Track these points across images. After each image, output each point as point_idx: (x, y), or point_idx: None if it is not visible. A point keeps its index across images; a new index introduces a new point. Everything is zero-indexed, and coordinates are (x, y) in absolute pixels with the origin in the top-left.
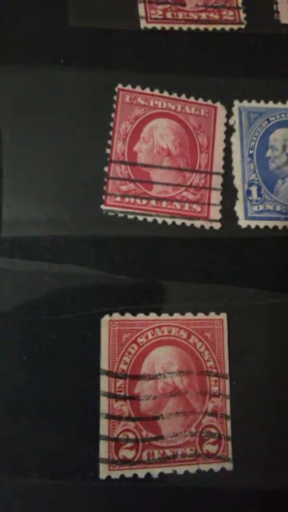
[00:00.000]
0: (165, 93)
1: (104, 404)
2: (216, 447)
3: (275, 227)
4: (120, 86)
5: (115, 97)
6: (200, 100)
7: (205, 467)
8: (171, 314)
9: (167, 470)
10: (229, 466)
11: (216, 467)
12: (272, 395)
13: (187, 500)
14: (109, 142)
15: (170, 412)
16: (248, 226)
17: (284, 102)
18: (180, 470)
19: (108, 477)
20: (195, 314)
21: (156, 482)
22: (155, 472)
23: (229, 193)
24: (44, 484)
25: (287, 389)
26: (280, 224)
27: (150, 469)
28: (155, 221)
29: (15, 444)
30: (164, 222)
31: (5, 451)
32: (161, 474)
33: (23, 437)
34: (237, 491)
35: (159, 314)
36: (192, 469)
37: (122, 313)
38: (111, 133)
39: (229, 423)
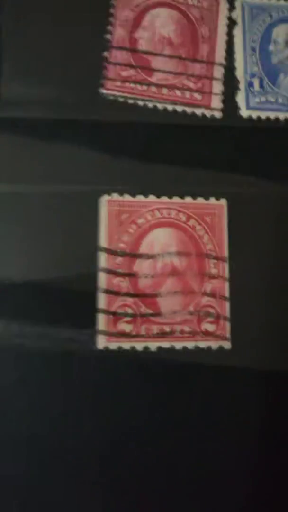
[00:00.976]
0: None
1: (102, 279)
2: (215, 326)
3: (277, 118)
4: None
5: None
6: None
7: (203, 344)
8: (170, 197)
9: (165, 344)
10: (227, 344)
11: (214, 344)
12: (271, 278)
13: (184, 374)
14: (110, 28)
15: (168, 291)
16: (250, 116)
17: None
18: (178, 345)
19: (106, 348)
20: (194, 198)
21: (153, 355)
22: (153, 345)
23: (231, 84)
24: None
25: (283, 274)
26: (281, 116)
27: (148, 343)
28: (155, 107)
29: (13, 312)
30: (164, 108)
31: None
32: (159, 348)
33: (22, 308)
34: (234, 369)
35: (158, 197)
36: (190, 345)
37: (121, 194)
38: (112, 19)
39: (227, 304)
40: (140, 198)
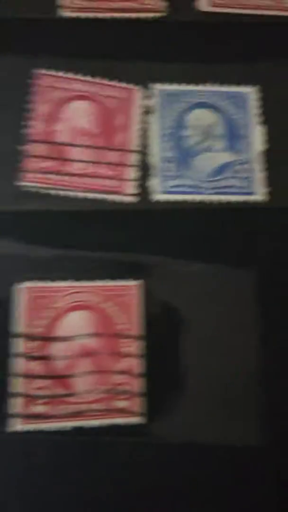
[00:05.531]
0: (85, 77)
1: (18, 363)
2: (128, 403)
3: (188, 200)
4: (40, 70)
5: (35, 81)
6: (119, 83)
7: (116, 421)
8: (86, 281)
9: (79, 424)
10: (140, 420)
11: (127, 420)
12: (182, 354)
13: (99, 452)
14: (29, 122)
15: (83, 371)
16: (162, 200)
17: (201, 85)
18: (92, 423)
19: (21, 430)
20: (109, 280)
21: (68, 435)
22: (67, 425)
23: (145, 169)
24: None
25: (196, 349)
26: (191, 198)
27: (62, 423)
28: (73, 195)
29: None
30: (81, 197)
31: None
32: (73, 427)
33: None
34: (148, 445)
35: (75, 281)
36: (104, 423)
37: (40, 280)
38: (31, 113)
39: (140, 380)
40: (58, 283)
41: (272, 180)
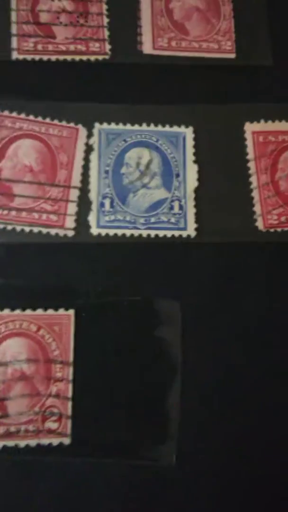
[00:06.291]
0: (31, 116)
1: None
2: (57, 424)
3: (123, 235)
4: None
5: None
6: (64, 123)
7: (44, 441)
8: (23, 310)
9: (10, 443)
10: (66, 440)
11: (55, 441)
12: (110, 380)
13: (27, 470)
14: None
15: (17, 394)
16: (99, 234)
17: (140, 125)
18: (22, 443)
19: None
20: (45, 310)
21: None
22: None
23: (85, 204)
24: None
25: (123, 374)
26: (127, 232)
27: None
28: (14, 229)
29: None
30: (22, 230)
31: None
32: (4, 446)
33: None
34: (74, 463)
35: (12, 310)
36: (33, 442)
37: None
38: None
39: (70, 404)
40: None
41: (201, 216)
